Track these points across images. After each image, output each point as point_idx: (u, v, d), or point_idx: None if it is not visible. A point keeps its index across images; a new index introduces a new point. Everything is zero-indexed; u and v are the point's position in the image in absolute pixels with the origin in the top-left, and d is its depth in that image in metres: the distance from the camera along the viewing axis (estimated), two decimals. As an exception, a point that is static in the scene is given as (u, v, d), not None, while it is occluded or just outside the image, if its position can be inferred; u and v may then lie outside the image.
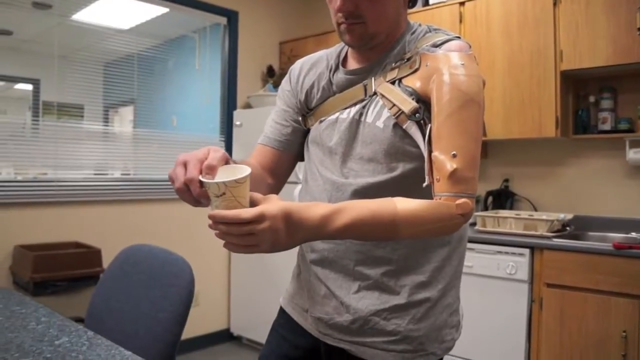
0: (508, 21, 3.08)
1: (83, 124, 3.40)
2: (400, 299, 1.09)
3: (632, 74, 2.91)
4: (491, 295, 2.75)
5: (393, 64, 1.12)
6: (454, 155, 0.96)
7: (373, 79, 1.13)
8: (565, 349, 2.54)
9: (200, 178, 0.89)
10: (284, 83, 1.34)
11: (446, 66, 1.01)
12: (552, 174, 3.26)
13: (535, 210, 3.26)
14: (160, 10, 3.74)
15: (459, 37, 1.10)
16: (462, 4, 3.27)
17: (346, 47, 1.24)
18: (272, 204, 0.88)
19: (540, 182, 3.30)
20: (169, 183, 3.45)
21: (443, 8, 3.36)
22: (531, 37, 2.99)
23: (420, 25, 1.17)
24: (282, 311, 1.33)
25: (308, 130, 1.27)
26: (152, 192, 3.58)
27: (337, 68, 1.22)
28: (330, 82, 1.22)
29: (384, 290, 1.10)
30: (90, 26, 3.48)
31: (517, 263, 2.66)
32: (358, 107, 1.14)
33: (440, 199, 0.96)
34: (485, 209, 3.38)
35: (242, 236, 0.87)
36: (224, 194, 0.87)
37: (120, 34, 3.63)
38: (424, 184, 1.01)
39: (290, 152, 1.29)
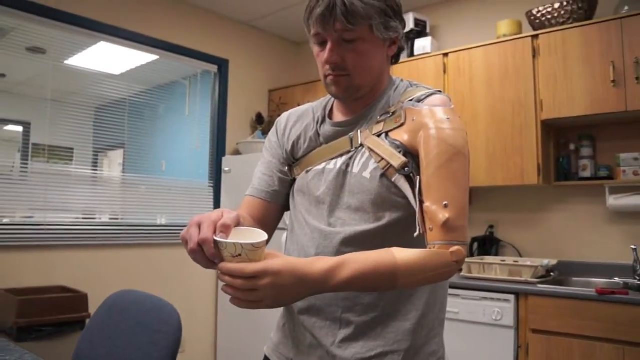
0: (490, 72, 3.19)
1: (72, 167, 3.42)
2: (385, 347, 1.11)
3: (609, 123, 3.02)
4: (477, 341, 2.76)
5: (378, 117, 1.17)
6: (446, 206, 1.00)
7: (359, 131, 1.18)
8: (552, 396, 2.53)
9: (215, 238, 0.90)
10: (271, 135, 1.38)
11: (432, 120, 1.07)
12: (536, 220, 3.32)
13: (520, 256, 3.30)
14: (152, 57, 3.83)
15: (440, 92, 1.16)
16: (445, 55, 3.39)
17: (332, 100, 1.29)
18: (276, 260, 0.91)
19: (525, 228, 3.36)
20: (157, 228, 3.41)
21: (428, 59, 3.48)
22: (512, 87, 3.10)
23: (402, 80, 1.24)
24: None
25: (294, 180, 1.31)
26: (140, 237, 3.58)
27: (323, 120, 1.27)
28: (317, 133, 1.26)
29: (370, 337, 1.11)
30: (83, 71, 3.55)
31: (503, 309, 2.68)
32: (344, 158, 1.18)
33: (434, 247, 1.00)
34: (471, 255, 3.42)
35: (246, 291, 0.90)
36: (239, 255, 0.89)
37: (112, 79, 3.70)
38: (416, 234, 1.05)
39: (278, 202, 1.32)
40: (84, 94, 3.52)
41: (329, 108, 1.29)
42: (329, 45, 1.12)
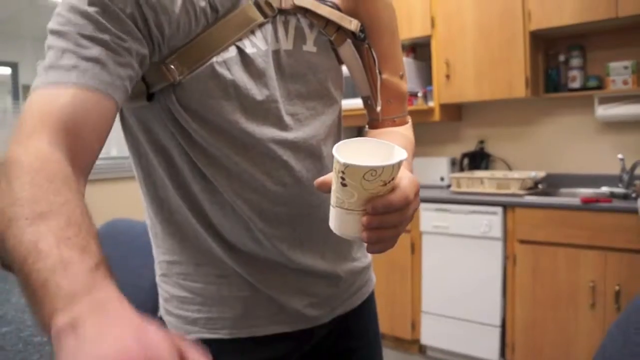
0: (477, -17, 3.09)
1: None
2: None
3: (599, 32, 2.95)
4: (467, 253, 2.84)
5: None
6: (402, 76, 0.96)
7: None
8: (538, 301, 2.64)
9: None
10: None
11: None
12: (526, 133, 3.32)
13: (510, 169, 3.34)
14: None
15: None
16: (432, -33, 3.27)
17: None
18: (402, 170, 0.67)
19: (514, 142, 3.37)
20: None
21: (414, -27, 3.36)
22: (500, -2, 3.01)
23: None
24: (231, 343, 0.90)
25: (170, 87, 0.77)
26: (123, 170, 3.56)
27: None
28: (210, 3, 0.76)
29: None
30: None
31: (491, 221, 2.75)
32: (260, 34, 0.81)
33: (395, 120, 0.96)
34: (461, 170, 3.45)
35: (402, 224, 0.68)
36: (393, 179, 0.63)
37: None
38: (379, 109, 0.94)
39: (119, 104, 0.70)
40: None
41: None
42: None
